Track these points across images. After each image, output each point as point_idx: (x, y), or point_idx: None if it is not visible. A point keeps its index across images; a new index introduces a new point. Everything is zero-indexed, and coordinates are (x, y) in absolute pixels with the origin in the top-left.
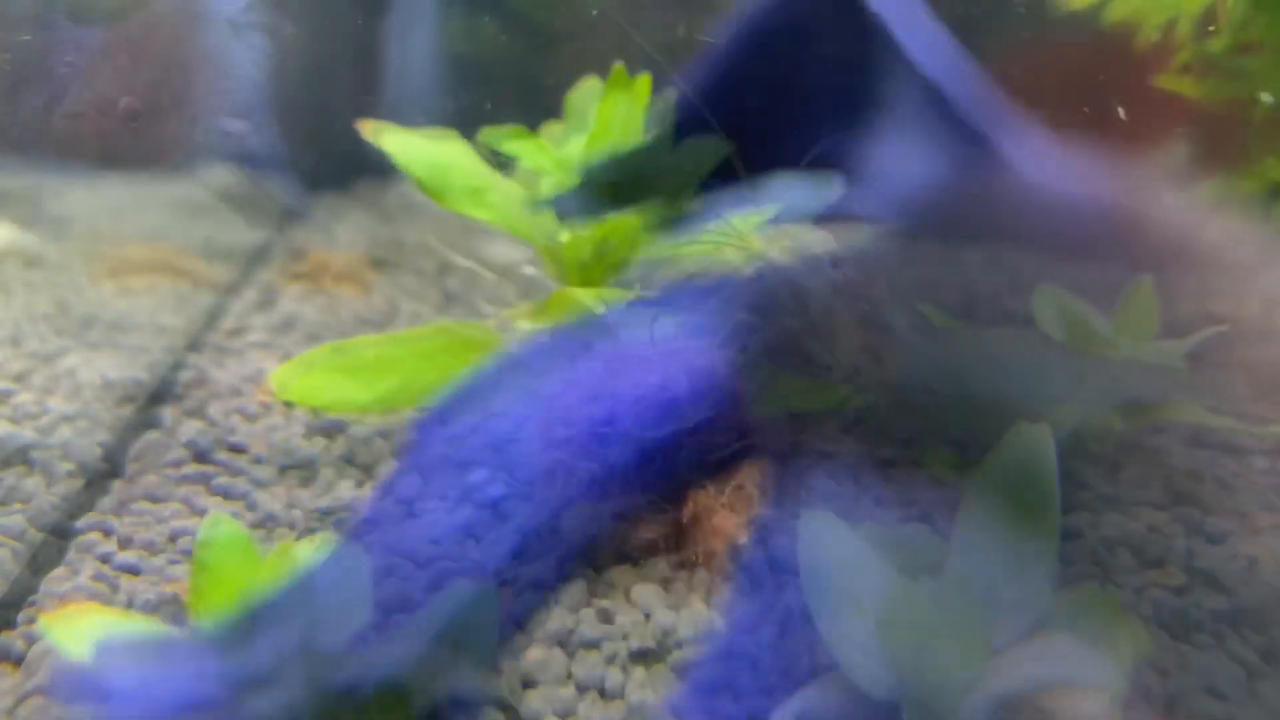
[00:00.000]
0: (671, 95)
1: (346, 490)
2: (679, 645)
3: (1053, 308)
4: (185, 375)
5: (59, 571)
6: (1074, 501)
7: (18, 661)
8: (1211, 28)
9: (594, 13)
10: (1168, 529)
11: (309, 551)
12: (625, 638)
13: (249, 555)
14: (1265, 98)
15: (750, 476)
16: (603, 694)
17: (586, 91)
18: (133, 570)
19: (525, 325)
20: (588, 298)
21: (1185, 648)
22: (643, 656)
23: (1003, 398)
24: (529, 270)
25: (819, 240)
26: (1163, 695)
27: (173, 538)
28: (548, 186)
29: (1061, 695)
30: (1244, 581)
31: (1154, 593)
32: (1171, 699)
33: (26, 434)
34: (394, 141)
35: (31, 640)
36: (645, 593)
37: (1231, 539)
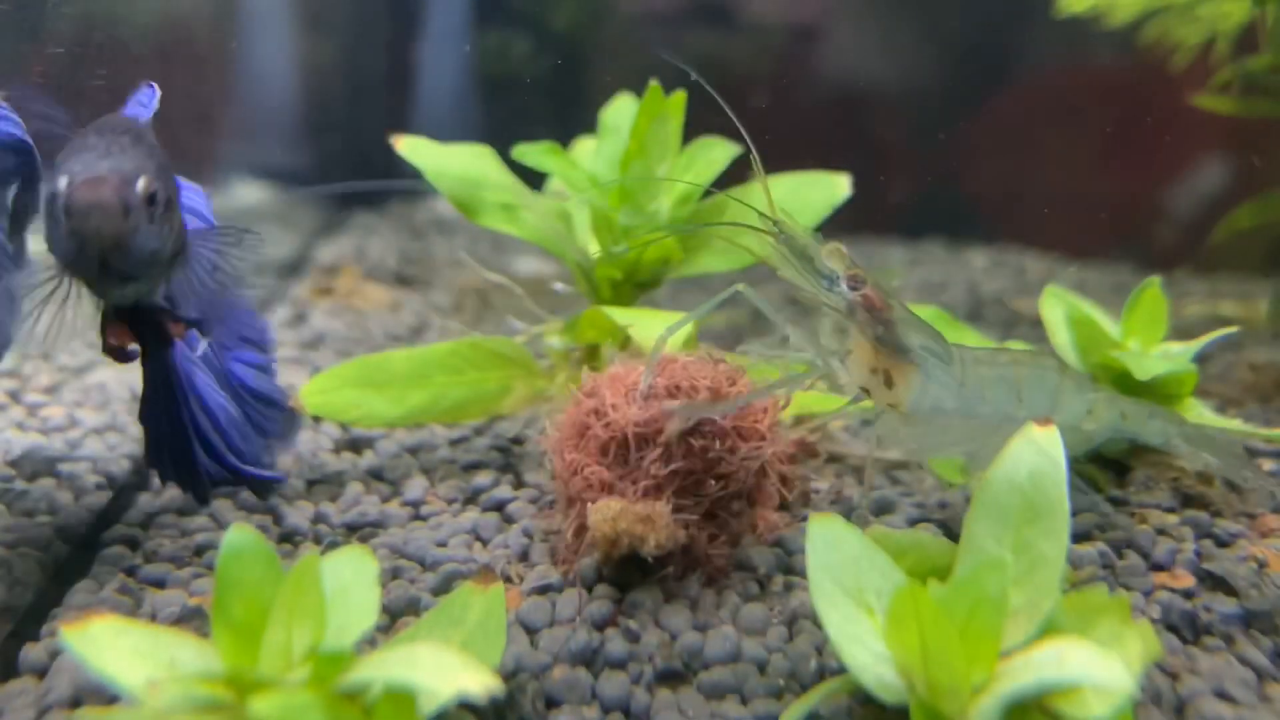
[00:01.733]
0: None
1: (373, 506)
2: None
3: (1060, 310)
4: None
5: (84, 584)
6: (1083, 504)
7: (41, 673)
8: None
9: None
10: (1176, 531)
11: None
12: None
13: (271, 569)
14: None
15: None
16: None
17: (620, 107)
18: (158, 583)
19: (555, 341)
20: (619, 316)
21: (1195, 651)
22: None
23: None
24: (560, 286)
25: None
26: (1172, 698)
27: (199, 551)
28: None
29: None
30: (1253, 584)
31: (1163, 595)
32: (1181, 702)
33: (56, 446)
34: (426, 157)
35: (54, 652)
36: None
37: (1241, 541)
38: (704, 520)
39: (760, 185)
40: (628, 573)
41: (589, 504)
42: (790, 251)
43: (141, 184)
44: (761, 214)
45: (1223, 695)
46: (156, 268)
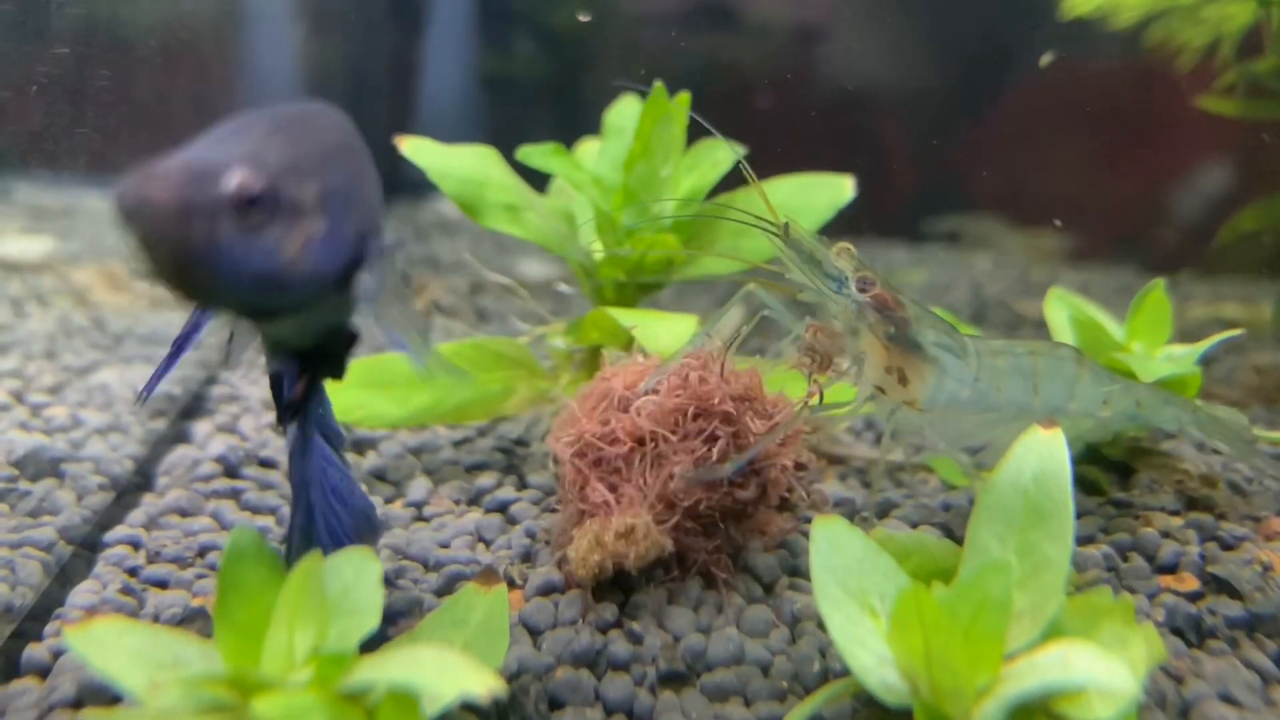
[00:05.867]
0: None
1: (376, 506)
2: None
3: (1064, 312)
4: (217, 390)
5: (87, 584)
6: (1087, 506)
7: (44, 673)
8: None
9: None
10: (1181, 534)
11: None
12: None
13: (274, 570)
14: None
15: None
16: None
17: (625, 109)
18: (161, 583)
19: (559, 343)
20: (623, 317)
21: (1199, 654)
22: None
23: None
24: (563, 287)
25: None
26: (1177, 702)
27: (201, 552)
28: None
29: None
30: (1258, 587)
31: (1168, 598)
32: (1186, 705)
33: (59, 447)
34: (430, 157)
35: (57, 653)
36: None
37: (1246, 545)
38: (701, 527)
39: (757, 190)
40: (630, 575)
41: (586, 499)
42: (798, 255)
43: (235, 179)
44: (766, 219)
45: (1228, 699)
46: (289, 297)
